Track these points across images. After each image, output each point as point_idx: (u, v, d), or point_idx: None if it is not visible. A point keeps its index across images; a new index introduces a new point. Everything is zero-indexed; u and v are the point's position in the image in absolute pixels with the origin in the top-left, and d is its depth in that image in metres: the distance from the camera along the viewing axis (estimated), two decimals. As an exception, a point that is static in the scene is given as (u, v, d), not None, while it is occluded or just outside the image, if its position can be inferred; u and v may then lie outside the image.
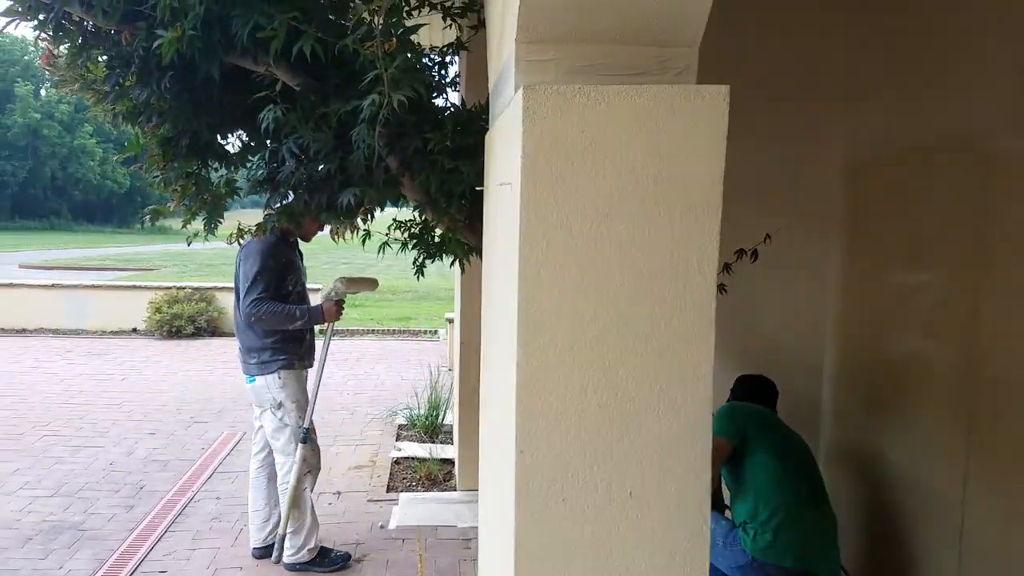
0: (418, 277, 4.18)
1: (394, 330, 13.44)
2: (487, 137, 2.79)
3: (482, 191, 3.01)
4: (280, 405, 4.30)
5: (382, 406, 8.14)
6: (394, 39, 2.60)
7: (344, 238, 3.63)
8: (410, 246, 3.88)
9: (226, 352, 11.00)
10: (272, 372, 4.29)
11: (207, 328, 12.13)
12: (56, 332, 12.31)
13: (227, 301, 12.57)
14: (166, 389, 8.76)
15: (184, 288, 12.48)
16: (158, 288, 12.67)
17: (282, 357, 4.32)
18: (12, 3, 3.09)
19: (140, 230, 73.69)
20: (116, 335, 12.24)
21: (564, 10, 1.92)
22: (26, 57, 70.03)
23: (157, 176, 3.67)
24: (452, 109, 3.10)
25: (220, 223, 3.87)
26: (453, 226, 3.24)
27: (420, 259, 3.93)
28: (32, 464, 6.14)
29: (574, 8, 1.91)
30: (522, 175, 1.85)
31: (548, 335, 1.89)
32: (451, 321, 10.14)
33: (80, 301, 12.66)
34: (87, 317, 12.53)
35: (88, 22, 3.17)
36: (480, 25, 3.17)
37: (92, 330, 12.44)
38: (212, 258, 37.80)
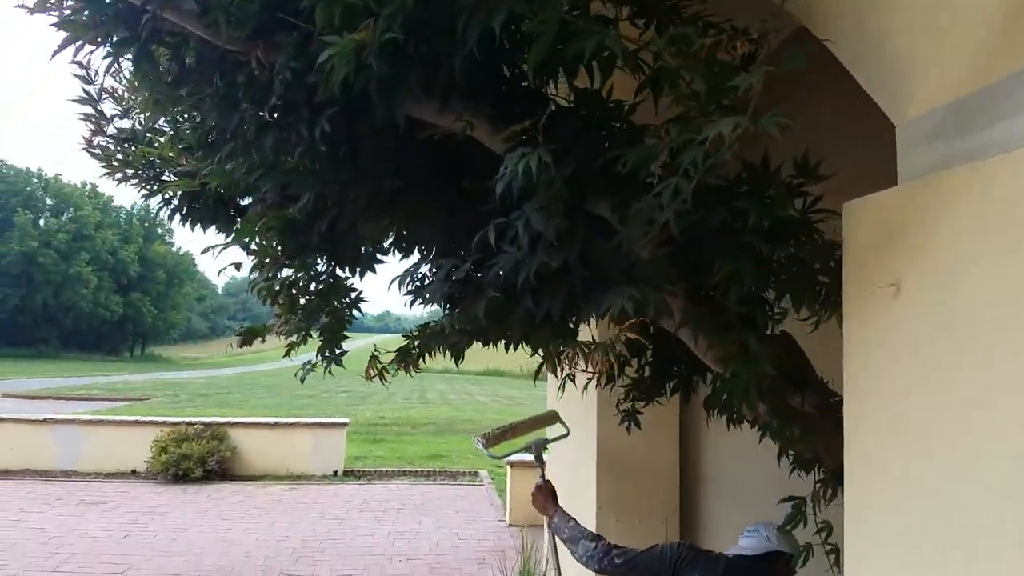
0: (628, 428, 2.92)
1: (428, 471, 11.93)
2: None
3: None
4: None
5: (447, 578, 6.67)
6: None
7: (566, 369, 2.40)
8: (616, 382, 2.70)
9: (243, 500, 9.51)
10: None
11: (217, 471, 10.62)
12: (45, 474, 10.77)
13: (241, 438, 11.16)
14: (177, 551, 7.24)
15: (194, 424, 11.05)
16: (163, 424, 11.23)
17: None
18: (77, 15, 2.01)
19: (129, 358, 72.21)
20: (113, 478, 10.69)
21: None
22: (28, 188, 70.43)
23: (266, 278, 2.53)
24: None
25: (341, 350, 2.69)
26: (743, 358, 2.04)
27: (631, 405, 2.71)
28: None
29: None
30: None
31: None
32: (512, 465, 8.73)
33: (73, 438, 11.20)
34: (80, 456, 11.05)
35: (188, 47, 2.09)
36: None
37: (85, 471, 10.90)
38: (205, 387, 36.23)
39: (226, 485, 10.38)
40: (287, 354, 2.80)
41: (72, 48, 2.10)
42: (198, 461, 10.41)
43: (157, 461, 10.48)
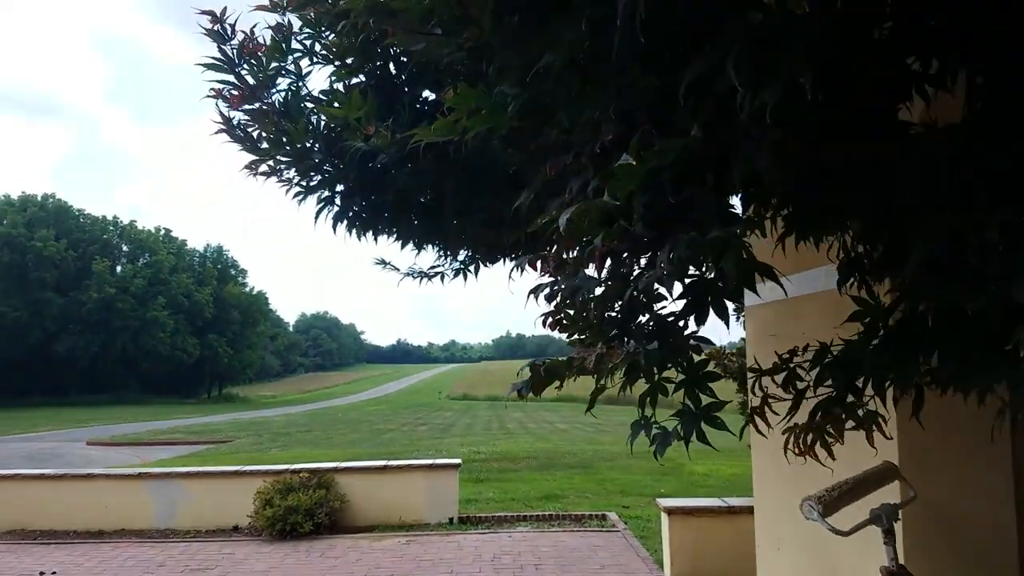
0: None
1: (550, 515, 10.71)
2: None
3: None
4: None
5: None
6: None
7: None
8: None
9: (361, 558, 8.46)
10: None
11: (327, 523, 9.61)
12: (140, 534, 9.93)
13: (348, 484, 10.14)
14: (304, 629, 6.22)
15: (298, 471, 10.08)
16: (265, 473, 10.28)
17: None
18: None
19: (207, 399, 72.97)
20: (214, 536, 9.76)
21: None
22: (104, 236, 72.03)
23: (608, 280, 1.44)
24: None
25: (717, 401, 1.58)
26: None
27: None
28: None
29: None
30: None
31: None
32: (669, 512, 7.51)
33: (170, 493, 10.33)
34: (177, 512, 10.19)
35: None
36: None
37: (183, 529, 10.04)
38: (285, 425, 35.77)
39: (338, 540, 9.33)
40: (589, 408, 1.69)
41: None
42: (306, 514, 9.40)
43: (262, 515, 9.50)
